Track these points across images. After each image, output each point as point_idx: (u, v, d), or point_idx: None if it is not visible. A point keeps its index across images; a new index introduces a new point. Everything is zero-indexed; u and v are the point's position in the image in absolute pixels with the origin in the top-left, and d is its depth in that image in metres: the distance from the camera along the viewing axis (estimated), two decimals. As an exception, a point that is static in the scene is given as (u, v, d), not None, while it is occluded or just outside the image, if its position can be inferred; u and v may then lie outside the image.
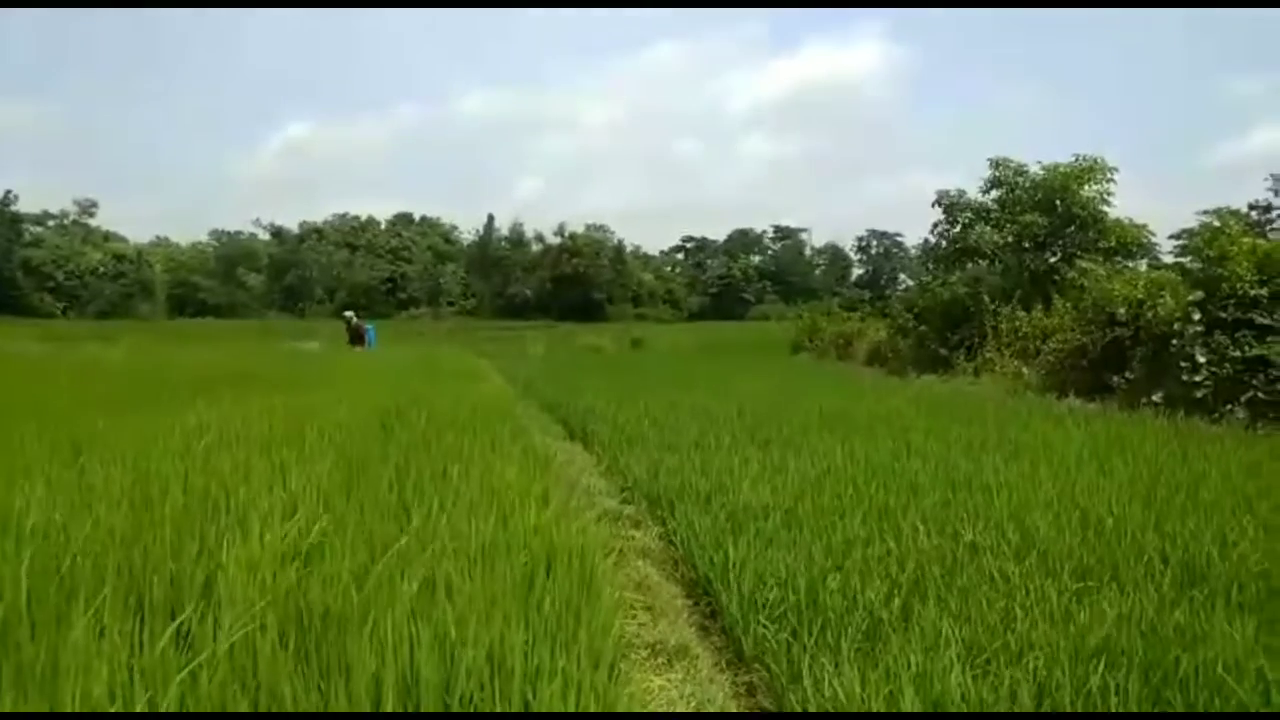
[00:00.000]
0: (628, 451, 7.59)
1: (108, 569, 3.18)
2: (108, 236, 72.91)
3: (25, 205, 68.15)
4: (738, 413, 9.73)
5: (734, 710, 3.14)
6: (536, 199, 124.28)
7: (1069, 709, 2.67)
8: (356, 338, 22.56)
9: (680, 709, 3.09)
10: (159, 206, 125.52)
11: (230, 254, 77.49)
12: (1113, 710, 2.65)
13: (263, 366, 15.08)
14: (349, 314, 25.69)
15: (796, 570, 3.97)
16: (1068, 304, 14.97)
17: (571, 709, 2.36)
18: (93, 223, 73.81)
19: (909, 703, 2.70)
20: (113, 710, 2.07)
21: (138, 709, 2.09)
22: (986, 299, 17.09)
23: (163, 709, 2.11)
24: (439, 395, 10.45)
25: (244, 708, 2.18)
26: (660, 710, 3.07)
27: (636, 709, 2.80)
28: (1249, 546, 4.37)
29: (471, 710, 2.33)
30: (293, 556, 3.43)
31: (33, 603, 2.82)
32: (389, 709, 2.19)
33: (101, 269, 66.46)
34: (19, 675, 2.28)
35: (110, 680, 2.23)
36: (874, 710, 2.67)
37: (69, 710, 2.06)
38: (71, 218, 72.82)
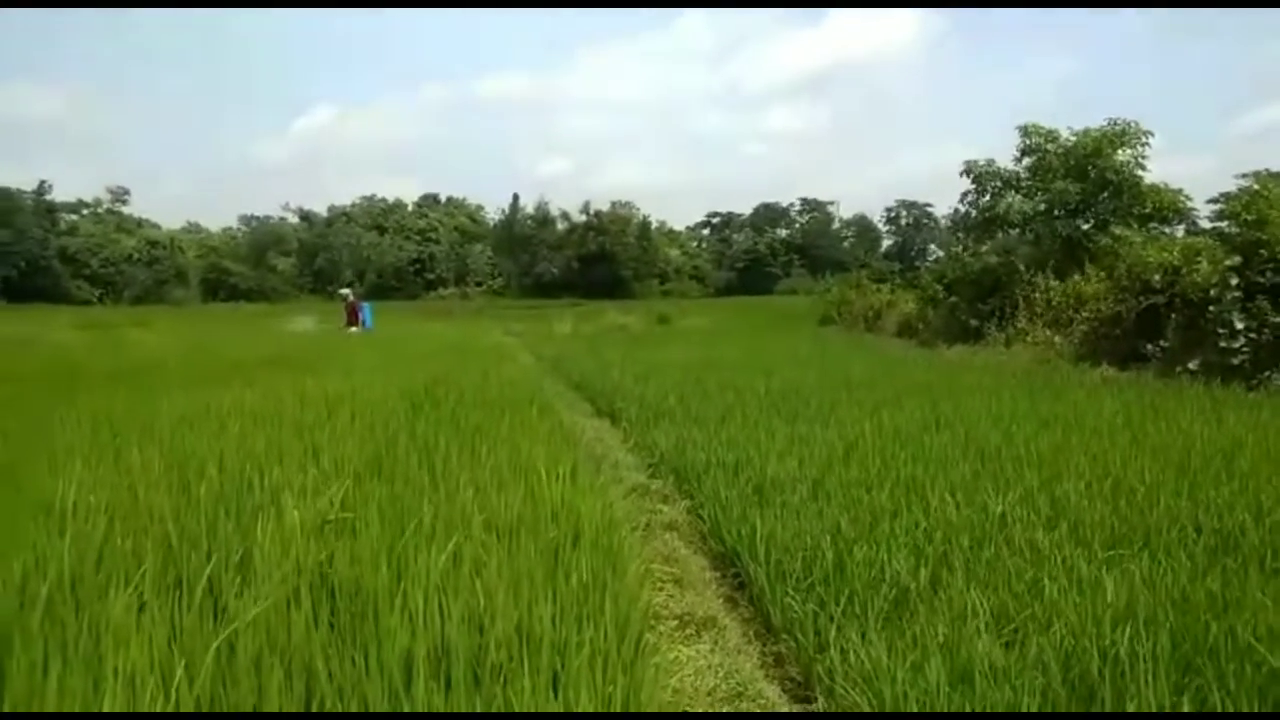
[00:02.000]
0: (655, 427, 7.62)
1: (147, 547, 3.27)
2: (141, 223, 73.81)
3: (59, 194, 69.41)
4: (765, 387, 9.71)
5: (764, 681, 3.16)
6: (561, 178, 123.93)
7: (1096, 676, 2.67)
8: (353, 317, 21.07)
9: (709, 679, 3.12)
10: (189, 193, 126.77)
11: (260, 239, 78.18)
12: (1144, 672, 2.63)
13: (293, 350, 15.28)
14: (345, 291, 23.71)
15: (824, 542, 3.98)
16: (1101, 272, 14.72)
17: (599, 679, 2.39)
18: (125, 210, 74.86)
19: (935, 671, 2.71)
20: (154, 679, 2.14)
21: (177, 678, 2.16)
22: (1020, 268, 16.83)
23: (200, 679, 2.18)
24: (467, 374, 10.53)
25: (278, 678, 2.23)
26: (689, 676, 3.11)
27: (664, 679, 2.84)
28: (1285, 514, 4.30)
29: (502, 681, 2.37)
30: (324, 532, 3.50)
31: (76, 580, 2.91)
32: (421, 680, 2.24)
33: (136, 255, 67.32)
34: (64, 649, 2.36)
35: (150, 651, 2.30)
36: (902, 677, 2.67)
37: (111, 681, 2.13)
38: (105, 206, 73.81)
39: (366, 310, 21.67)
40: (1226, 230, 12.70)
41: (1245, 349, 10.19)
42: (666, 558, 4.45)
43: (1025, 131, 19.19)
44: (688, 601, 3.87)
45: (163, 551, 3.28)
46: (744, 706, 2.92)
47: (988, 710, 2.52)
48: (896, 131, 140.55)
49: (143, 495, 4.08)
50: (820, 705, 2.87)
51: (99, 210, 73.20)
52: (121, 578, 2.91)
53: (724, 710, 2.90)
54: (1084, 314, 14.07)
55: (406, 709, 2.18)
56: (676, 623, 3.63)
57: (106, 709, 2.05)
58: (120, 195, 74.47)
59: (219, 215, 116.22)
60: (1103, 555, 3.79)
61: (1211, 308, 10.89)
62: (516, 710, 2.20)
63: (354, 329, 20.51)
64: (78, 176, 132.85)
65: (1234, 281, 10.77)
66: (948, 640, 2.97)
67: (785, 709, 2.95)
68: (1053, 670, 2.72)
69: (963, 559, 3.79)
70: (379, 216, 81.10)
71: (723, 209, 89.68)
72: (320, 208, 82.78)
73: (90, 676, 2.21)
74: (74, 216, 70.89)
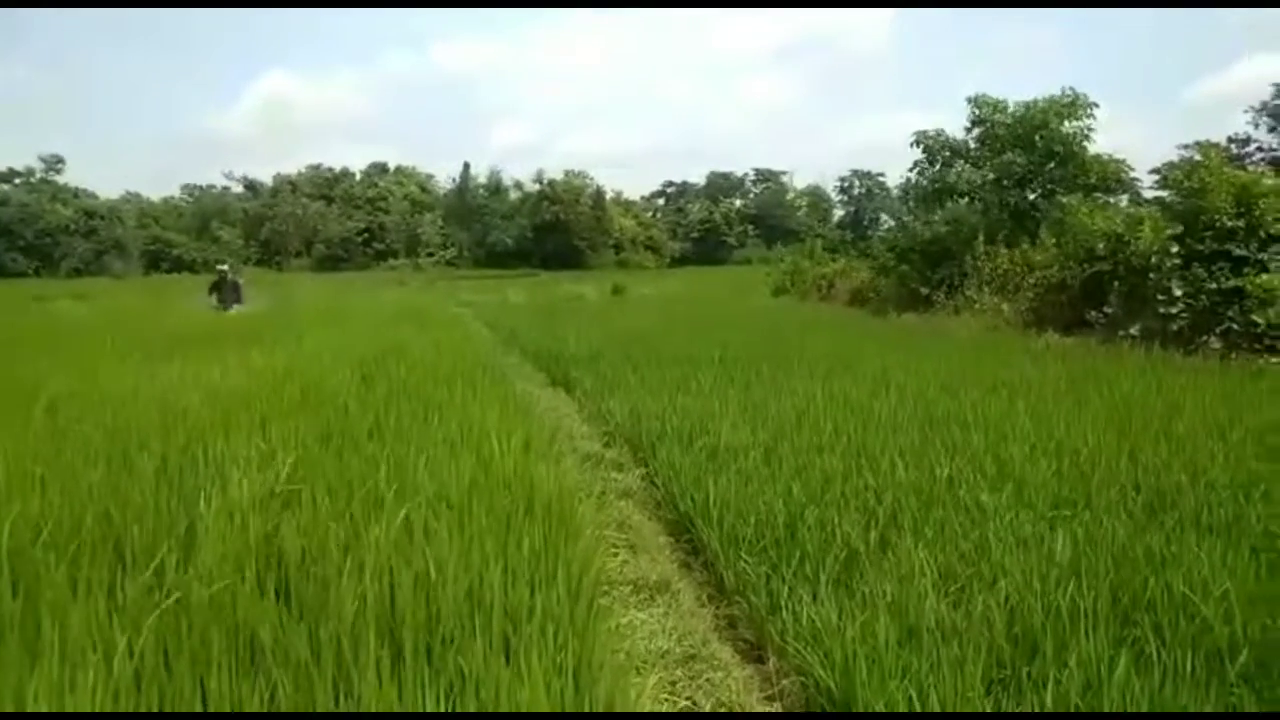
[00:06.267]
0: (610, 396, 7.61)
1: (85, 522, 3.17)
2: (77, 193, 71.17)
3: (-14, 163, 66.66)
4: (719, 356, 9.75)
5: (717, 643, 3.19)
6: (515, 148, 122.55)
7: (1039, 630, 2.74)
8: (231, 293, 17.98)
9: (662, 642, 3.14)
10: (127, 163, 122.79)
11: (204, 209, 76.17)
12: (1084, 626, 2.71)
13: (236, 322, 14.94)
14: (224, 268, 19.76)
15: (776, 506, 4.02)
16: (1051, 240, 14.96)
17: (551, 644, 2.39)
18: (60, 179, 72.02)
19: (883, 629, 2.75)
20: (94, 655, 2.08)
21: (118, 651, 2.10)
22: (979, 237, 17.03)
23: (138, 650, 2.13)
24: (420, 345, 10.40)
25: (222, 646, 2.19)
26: (642, 639, 3.12)
27: (617, 642, 2.85)
28: (1219, 473, 4.46)
29: (453, 644, 2.36)
30: (271, 503, 3.43)
31: (13, 555, 2.82)
32: (370, 648, 2.22)
33: (72, 226, 65.04)
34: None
35: (91, 626, 2.24)
36: (851, 635, 2.72)
37: (49, 654, 2.07)
38: (38, 175, 70.99)
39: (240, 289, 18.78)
40: (1168, 199, 12.99)
41: (1184, 315, 10.47)
42: (621, 524, 4.47)
43: (975, 103, 19.38)
44: (642, 567, 3.89)
45: (103, 526, 3.19)
46: (698, 668, 2.95)
47: (936, 664, 2.57)
48: (854, 101, 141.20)
49: (82, 469, 3.96)
50: (772, 664, 2.91)
51: (32, 179, 70.37)
52: (60, 553, 2.83)
53: (678, 671, 2.92)
54: (1030, 282, 14.32)
55: (355, 678, 2.15)
56: (631, 588, 3.64)
57: (42, 682, 1.99)
58: (54, 164, 71.65)
59: (160, 186, 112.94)
60: (1047, 515, 3.89)
61: (1152, 275, 11.16)
62: (466, 673, 2.19)
63: (237, 307, 17.57)
64: (6, 145, 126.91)
65: (1174, 249, 11.04)
66: (896, 599, 3.02)
67: (738, 669, 2.98)
68: (997, 626, 2.79)
69: (911, 520, 3.85)
70: (325, 186, 79.23)
71: (677, 178, 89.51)
72: (265, 177, 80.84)
73: (28, 652, 2.14)
74: (5, 186, 68.10)
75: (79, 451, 4.31)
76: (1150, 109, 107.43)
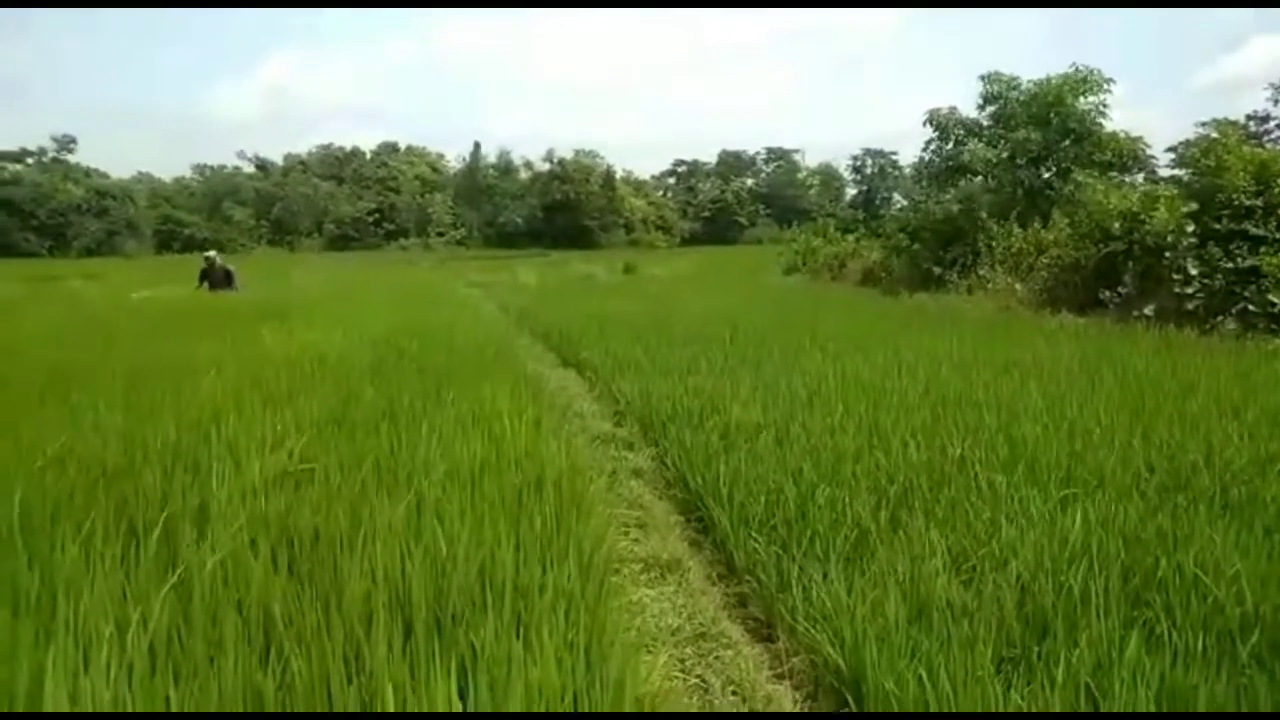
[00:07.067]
0: (621, 376, 7.59)
1: (99, 499, 3.20)
2: (89, 173, 71.33)
3: (1, 143, 66.94)
4: (730, 336, 9.72)
5: (727, 621, 3.20)
6: (522, 137, 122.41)
7: (1050, 610, 2.73)
8: (223, 281, 17.04)
9: (672, 620, 3.15)
10: (139, 143, 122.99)
11: (215, 189, 76.34)
12: (1096, 606, 2.71)
13: (247, 301, 15.00)
14: (211, 254, 18.57)
15: (786, 486, 4.02)
16: (1065, 219, 14.82)
17: (562, 622, 2.40)
18: (72, 159, 72.17)
19: (894, 608, 2.75)
20: (108, 627, 2.10)
21: (131, 625, 2.12)
22: (984, 215, 16.89)
23: (151, 626, 2.15)
24: (432, 325, 10.42)
25: (235, 624, 2.21)
26: (653, 617, 3.14)
27: (628, 619, 2.86)
28: (1233, 453, 4.42)
29: (464, 623, 2.37)
30: (284, 481, 3.45)
31: (28, 532, 2.85)
32: (381, 625, 2.23)
33: (84, 206, 65.25)
34: (14, 597, 2.31)
35: (105, 601, 2.26)
36: (861, 614, 2.72)
37: (64, 631, 2.09)
38: (50, 155, 71.16)
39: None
40: (1185, 178, 12.84)
41: (1199, 294, 10.37)
42: (632, 503, 4.48)
43: (987, 79, 19.15)
44: (652, 545, 3.90)
45: (117, 502, 3.22)
46: (708, 646, 2.96)
47: (946, 643, 2.57)
48: (864, 83, 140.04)
49: (96, 447, 4.00)
50: (782, 643, 2.92)
51: (44, 159, 70.54)
52: (74, 528, 2.85)
53: (688, 649, 2.93)
54: (1044, 261, 14.22)
55: (366, 655, 2.17)
56: (641, 565, 3.65)
57: (58, 657, 2.01)
58: (66, 144, 71.76)
59: (171, 167, 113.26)
60: (1058, 495, 3.87)
61: (1167, 254, 11.06)
62: (478, 649, 2.20)
63: (232, 291, 16.78)
64: (19, 126, 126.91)
65: (1190, 228, 10.94)
66: (906, 578, 3.02)
67: (747, 647, 2.99)
68: (1008, 605, 2.78)
69: (922, 500, 3.85)
70: (335, 166, 79.24)
71: (688, 157, 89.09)
72: (276, 156, 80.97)
73: (41, 626, 2.16)
74: (17, 166, 68.28)
75: (92, 430, 4.34)
76: (1165, 90, 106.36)
